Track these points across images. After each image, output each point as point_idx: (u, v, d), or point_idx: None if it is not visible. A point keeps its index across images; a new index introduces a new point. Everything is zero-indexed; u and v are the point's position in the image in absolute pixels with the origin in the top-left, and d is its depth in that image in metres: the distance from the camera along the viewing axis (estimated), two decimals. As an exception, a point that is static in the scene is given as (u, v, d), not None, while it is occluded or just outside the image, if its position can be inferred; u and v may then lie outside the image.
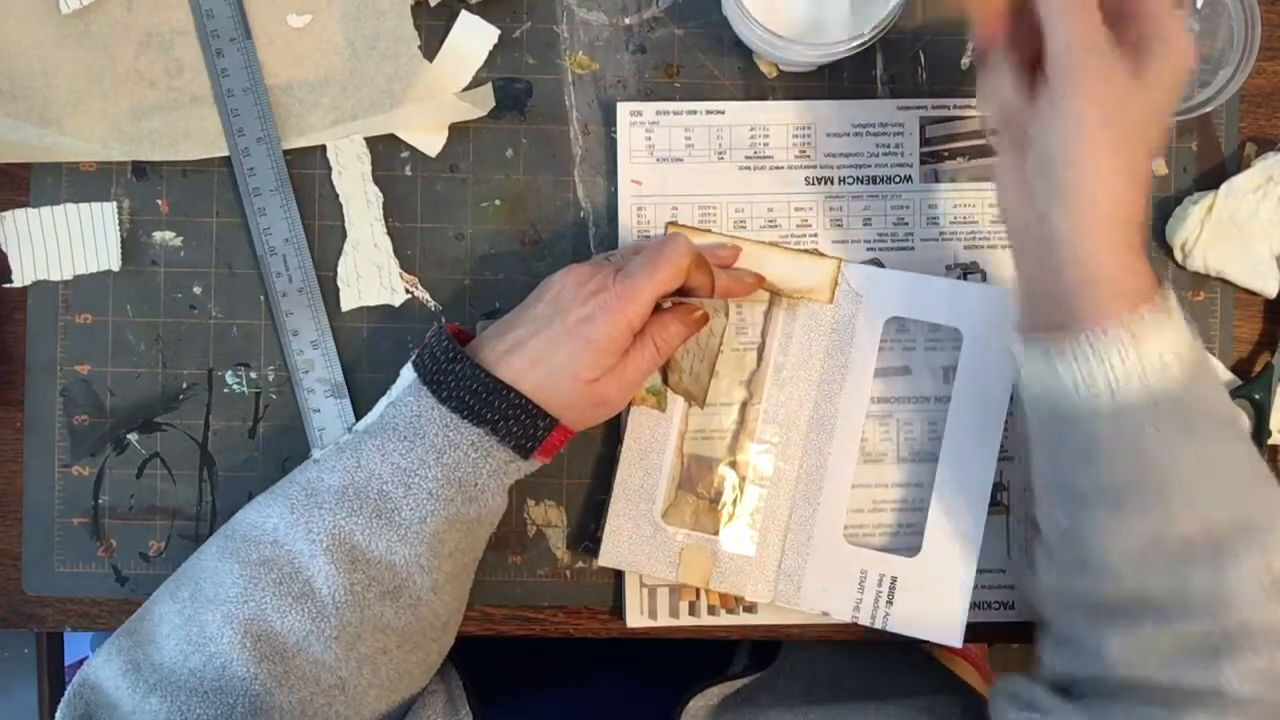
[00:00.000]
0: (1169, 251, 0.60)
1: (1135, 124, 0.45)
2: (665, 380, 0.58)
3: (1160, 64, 0.46)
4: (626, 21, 0.60)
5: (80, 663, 0.92)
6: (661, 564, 0.58)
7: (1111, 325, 0.45)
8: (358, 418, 0.58)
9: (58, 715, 0.48)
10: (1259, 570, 0.45)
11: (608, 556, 0.58)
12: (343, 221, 0.59)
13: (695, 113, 0.59)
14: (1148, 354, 0.45)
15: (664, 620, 0.59)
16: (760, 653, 0.64)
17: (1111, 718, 0.47)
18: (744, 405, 0.59)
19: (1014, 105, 0.47)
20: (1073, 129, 0.45)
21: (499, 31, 0.59)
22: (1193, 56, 0.46)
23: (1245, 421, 0.48)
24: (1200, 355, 0.47)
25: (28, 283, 0.59)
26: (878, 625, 0.58)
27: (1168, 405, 0.45)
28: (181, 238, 0.59)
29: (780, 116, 0.59)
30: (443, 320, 0.60)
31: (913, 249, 0.60)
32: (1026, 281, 0.50)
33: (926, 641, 0.59)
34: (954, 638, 0.58)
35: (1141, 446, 0.45)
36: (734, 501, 0.58)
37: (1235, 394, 0.58)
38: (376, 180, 0.59)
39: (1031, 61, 0.47)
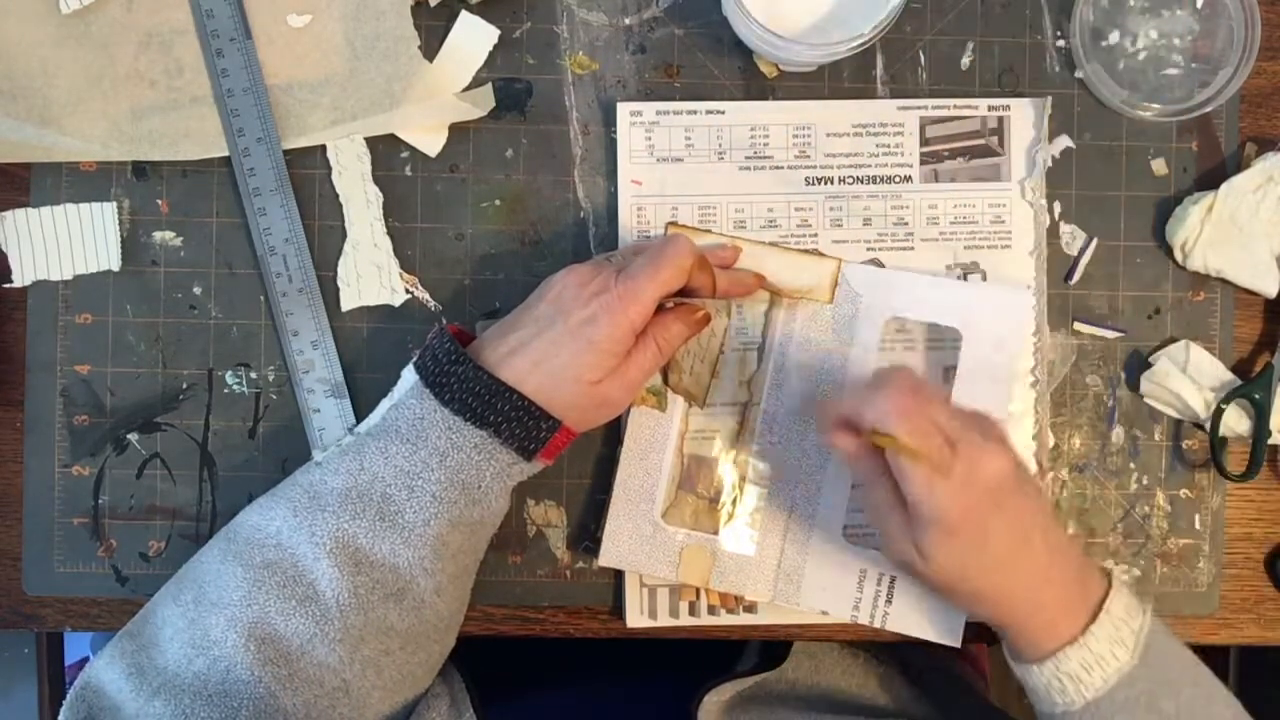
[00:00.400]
0: (1169, 251, 0.60)
1: (993, 514, 0.49)
2: (665, 380, 0.58)
3: (977, 465, 0.49)
4: (626, 21, 0.60)
5: (80, 663, 0.92)
6: (661, 564, 0.58)
7: (1060, 643, 0.51)
8: (358, 418, 0.58)
9: (60, 718, 0.48)
10: None
11: (608, 556, 0.58)
12: (343, 221, 0.59)
13: (695, 113, 0.59)
14: (1103, 657, 0.50)
15: (664, 620, 0.59)
16: (768, 651, 0.64)
17: None
18: (744, 405, 0.59)
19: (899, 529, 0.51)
20: (942, 541, 0.49)
21: (499, 31, 0.59)
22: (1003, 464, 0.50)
23: (1207, 673, 0.54)
24: (1150, 630, 0.52)
25: (28, 283, 0.59)
26: (877, 625, 0.58)
27: (1130, 693, 0.51)
28: (181, 238, 0.59)
29: (780, 116, 0.59)
30: (443, 321, 0.60)
31: (913, 249, 0.60)
32: (995, 627, 0.55)
33: (926, 642, 0.58)
34: (953, 638, 0.58)
35: None
36: (734, 501, 0.58)
37: (1235, 394, 0.59)
38: (376, 180, 0.59)
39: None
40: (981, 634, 0.59)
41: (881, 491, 0.51)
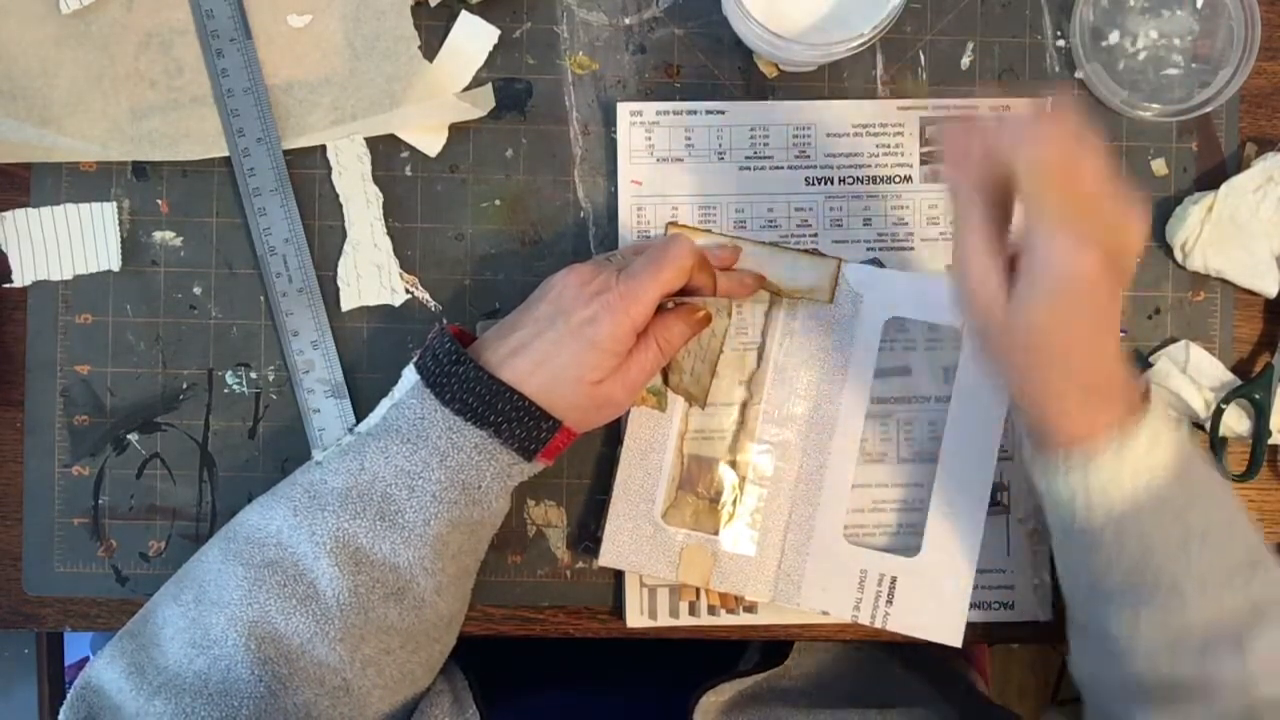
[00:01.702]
0: (1169, 251, 0.60)
1: (1102, 296, 0.46)
2: (666, 381, 0.58)
3: (1122, 239, 0.46)
4: (626, 21, 0.60)
5: (80, 663, 0.92)
6: (661, 564, 0.58)
7: (1100, 448, 0.47)
8: (358, 418, 0.58)
9: (60, 718, 0.48)
10: None
11: (608, 556, 0.58)
12: (343, 221, 0.59)
13: (695, 113, 0.59)
14: (1137, 468, 0.47)
15: (664, 620, 0.59)
16: (770, 651, 0.64)
17: None
18: (744, 405, 0.59)
19: (994, 283, 0.47)
20: (1045, 299, 0.45)
21: (499, 31, 0.59)
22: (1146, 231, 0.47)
23: (1238, 501, 0.51)
24: (1186, 448, 0.49)
25: (28, 283, 0.59)
26: (877, 625, 0.58)
27: (1163, 508, 0.48)
28: (181, 238, 0.59)
29: (780, 116, 0.59)
30: (444, 321, 0.60)
31: (913, 249, 0.60)
32: (1018, 402, 0.51)
33: (930, 644, 0.58)
34: (954, 638, 0.58)
35: (1144, 549, 0.48)
36: (734, 501, 0.58)
37: (1235, 394, 0.59)
38: (376, 180, 0.59)
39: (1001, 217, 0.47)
40: (981, 634, 0.59)
41: (976, 228, 0.46)
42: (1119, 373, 0.48)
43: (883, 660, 0.67)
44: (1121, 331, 0.60)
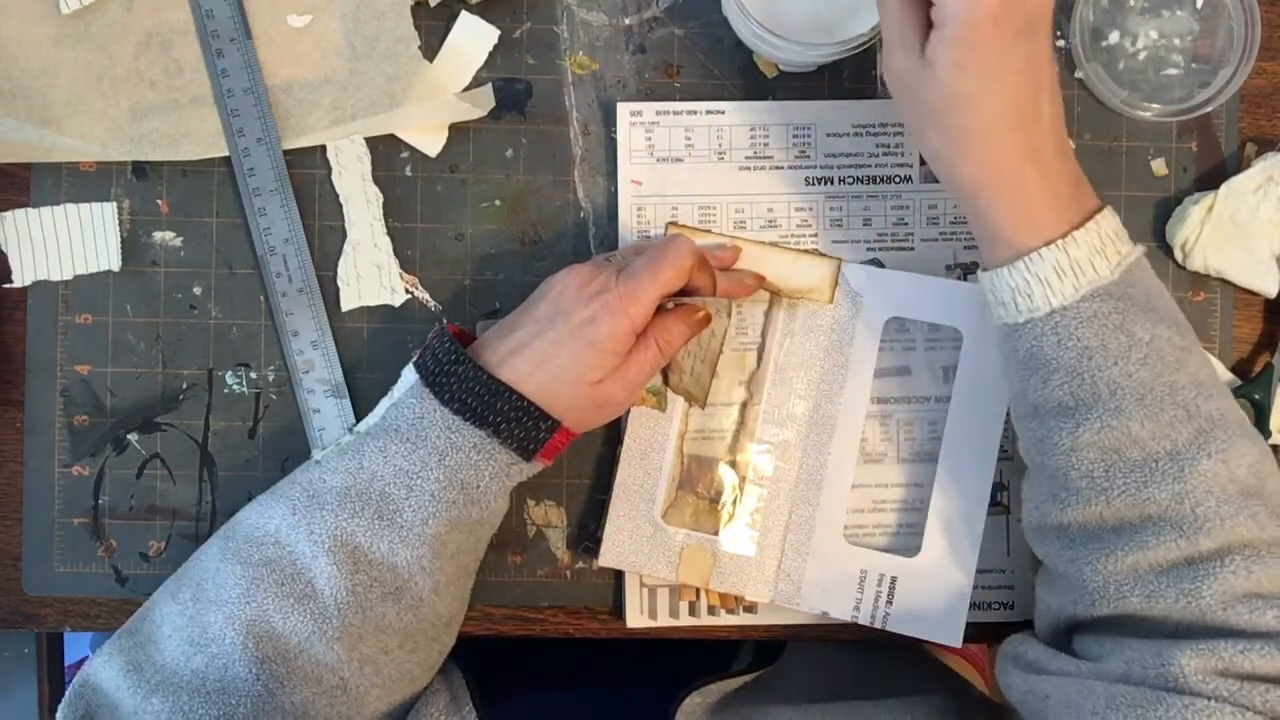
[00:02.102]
0: (1169, 251, 0.60)
1: (1022, 55, 0.45)
2: (666, 381, 0.58)
3: None
4: (626, 21, 0.60)
5: (80, 663, 0.92)
6: (661, 564, 0.58)
7: (1045, 244, 0.47)
8: (358, 418, 0.58)
9: (58, 716, 0.48)
10: (1223, 480, 0.46)
11: (608, 556, 0.58)
12: (343, 221, 0.59)
13: (695, 113, 0.59)
14: (1080, 265, 0.46)
15: (664, 620, 0.59)
16: (764, 651, 0.64)
17: (1105, 660, 0.47)
18: (744, 405, 0.59)
19: (911, 42, 0.47)
20: (955, 65, 0.45)
21: (499, 31, 0.59)
22: None
23: (1186, 326, 0.49)
24: (1135, 261, 0.48)
25: (28, 283, 0.59)
26: (877, 625, 0.58)
27: (1106, 316, 0.47)
28: (181, 238, 0.59)
29: (780, 116, 0.59)
30: (444, 321, 0.60)
31: (913, 249, 0.60)
32: (972, 224, 0.51)
33: (927, 642, 0.59)
34: (954, 638, 0.58)
35: (1087, 358, 0.47)
36: (734, 501, 0.58)
37: (1235, 394, 0.58)
38: (376, 180, 0.59)
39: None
40: (981, 634, 0.59)
41: None
42: (1056, 156, 0.47)
43: (877, 658, 0.67)
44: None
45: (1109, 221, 0.48)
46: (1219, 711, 0.42)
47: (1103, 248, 0.47)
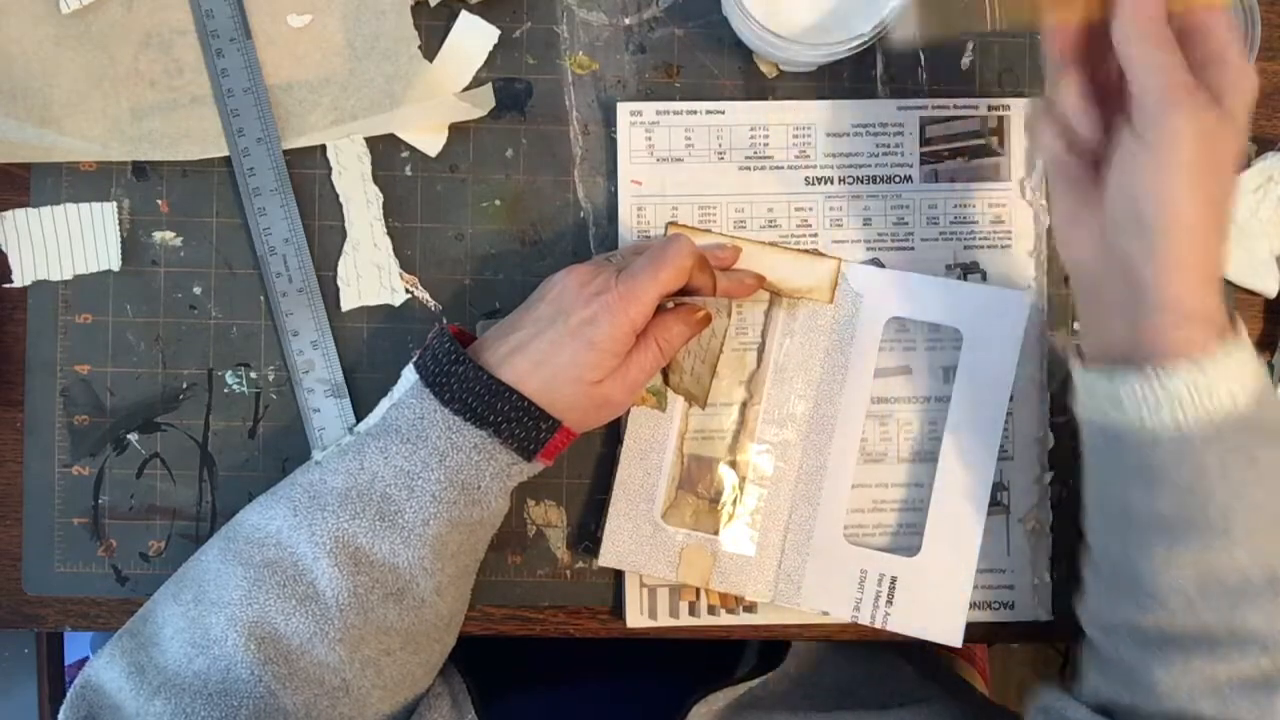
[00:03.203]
0: (1169, 251, 0.60)
1: (1221, 159, 0.44)
2: (666, 381, 0.58)
3: (1236, 98, 0.44)
4: (626, 21, 0.60)
5: (80, 663, 0.92)
6: (661, 564, 0.58)
7: (1182, 359, 0.45)
8: (358, 418, 0.58)
9: (60, 717, 0.48)
10: None
11: (608, 556, 0.58)
12: (343, 221, 0.59)
13: (695, 113, 0.59)
14: (1215, 388, 0.44)
15: (664, 620, 0.59)
16: (767, 654, 0.64)
17: None
18: (744, 405, 0.59)
19: (1085, 137, 0.47)
20: (1163, 165, 0.44)
21: (499, 31, 0.59)
22: (1257, 88, 0.45)
23: None
24: (1267, 389, 0.46)
25: (28, 283, 0.59)
26: (877, 625, 0.58)
27: (1233, 439, 0.45)
28: (181, 238, 0.59)
29: (780, 116, 0.59)
30: (444, 321, 0.60)
31: (913, 249, 0.60)
32: (1095, 313, 0.50)
33: (930, 644, 0.58)
34: (954, 638, 0.58)
35: (1204, 479, 0.45)
36: (734, 501, 0.58)
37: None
38: (376, 180, 0.59)
39: (1100, 91, 0.47)
40: (981, 634, 0.59)
41: (1079, 73, 0.46)
42: (1213, 286, 0.45)
43: (880, 660, 0.67)
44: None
45: (1247, 344, 0.46)
46: None
47: (1240, 373, 0.45)
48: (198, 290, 0.59)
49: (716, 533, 0.58)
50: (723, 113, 0.59)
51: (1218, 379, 0.44)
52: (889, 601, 0.58)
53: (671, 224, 0.59)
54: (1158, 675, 0.47)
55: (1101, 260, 0.47)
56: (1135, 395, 0.46)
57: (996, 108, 0.59)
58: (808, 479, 0.58)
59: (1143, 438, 0.46)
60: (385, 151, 0.59)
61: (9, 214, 0.59)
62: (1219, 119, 0.44)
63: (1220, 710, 0.46)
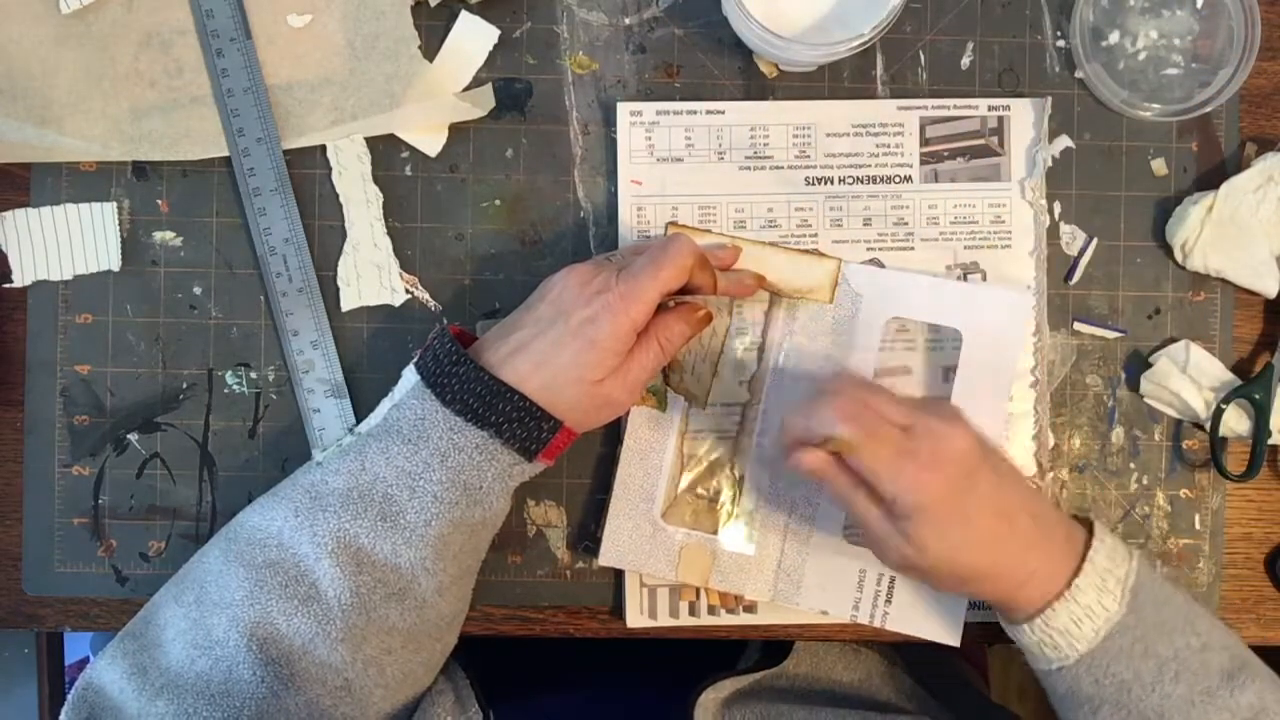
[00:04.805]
0: (1169, 251, 0.60)
1: (972, 494, 0.50)
2: (666, 380, 0.58)
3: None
4: (626, 21, 0.60)
5: (80, 663, 0.92)
6: (661, 563, 0.58)
7: (1049, 598, 0.51)
8: (358, 418, 0.58)
9: (62, 718, 0.48)
10: None
11: (608, 556, 0.58)
12: (343, 221, 0.59)
13: (695, 113, 0.59)
14: (1088, 610, 0.50)
15: (664, 620, 0.59)
16: (770, 650, 0.64)
17: None
18: (744, 405, 0.59)
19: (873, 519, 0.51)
20: (932, 548, 0.49)
21: (499, 31, 0.59)
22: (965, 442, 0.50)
23: (1202, 613, 0.53)
24: (1136, 578, 0.51)
25: (28, 283, 0.59)
26: (876, 624, 0.58)
27: (1124, 644, 0.50)
28: (181, 238, 0.59)
29: (780, 116, 0.59)
30: (444, 321, 0.60)
31: (913, 249, 0.60)
32: (979, 595, 0.54)
33: (930, 644, 0.58)
34: (953, 638, 0.58)
35: (1120, 687, 0.51)
36: (734, 501, 0.58)
37: (1235, 394, 0.59)
38: (376, 180, 0.59)
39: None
40: (981, 634, 0.59)
41: (861, 501, 0.51)
42: (1045, 535, 0.51)
43: (883, 660, 0.67)
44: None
45: (1101, 554, 0.51)
46: None
47: (1104, 584, 0.51)
48: (198, 290, 0.59)
49: (716, 532, 0.58)
50: (723, 113, 0.59)
51: (1089, 600, 0.50)
52: (888, 601, 0.58)
53: (671, 224, 0.59)
54: None
55: (951, 588, 0.53)
56: (1035, 642, 0.52)
57: (996, 108, 0.59)
58: (808, 479, 0.58)
59: (1061, 674, 0.52)
60: (385, 151, 0.59)
61: (9, 214, 0.59)
62: (932, 461, 0.49)
63: None
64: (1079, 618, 0.50)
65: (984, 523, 0.50)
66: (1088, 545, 0.52)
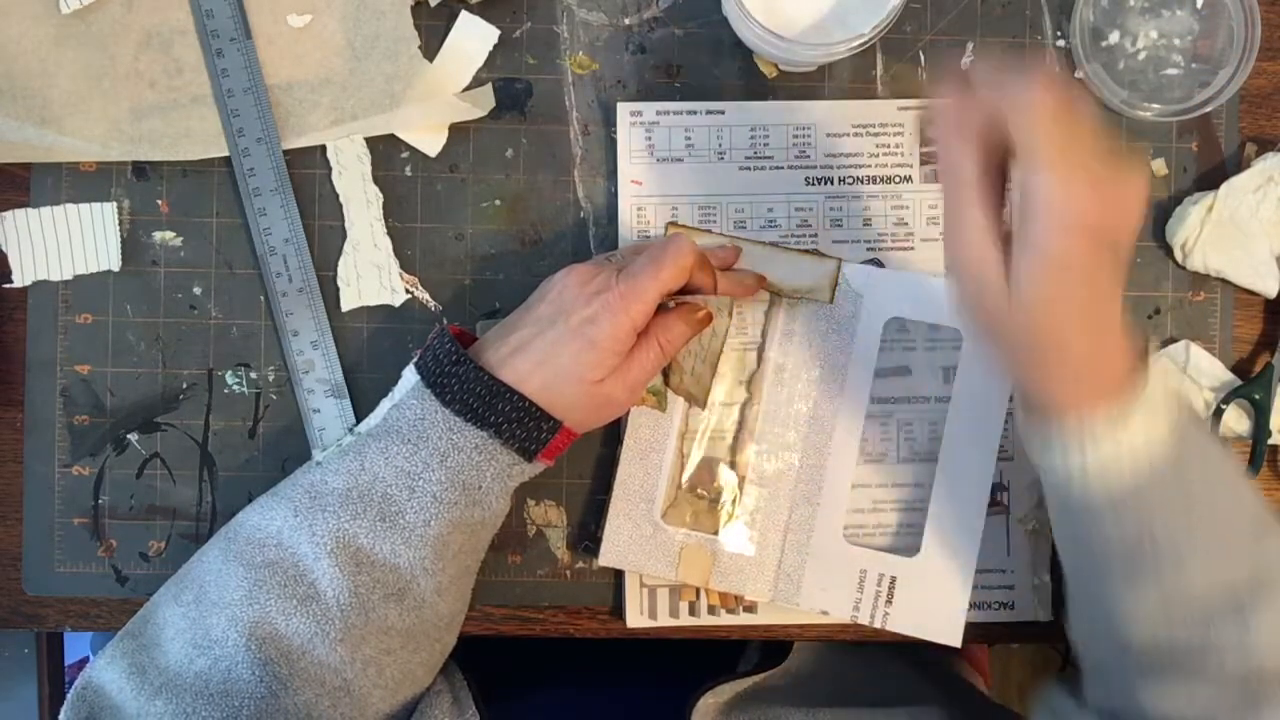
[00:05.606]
0: (1169, 251, 0.60)
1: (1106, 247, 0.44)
2: (666, 381, 0.58)
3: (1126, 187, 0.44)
4: (626, 21, 0.60)
5: (80, 663, 0.92)
6: (661, 563, 0.58)
7: (1099, 416, 0.46)
8: (358, 418, 0.58)
9: (61, 718, 0.48)
10: None
11: (608, 556, 0.58)
12: (343, 221, 0.59)
13: (695, 113, 0.59)
14: (1133, 441, 0.46)
15: (664, 620, 0.59)
16: (770, 651, 0.64)
17: None
18: (744, 405, 0.59)
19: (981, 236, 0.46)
20: (1033, 306, 0.44)
21: (499, 31, 0.59)
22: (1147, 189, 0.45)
23: (1240, 468, 0.49)
24: (1184, 416, 0.47)
25: (28, 283, 0.59)
26: (877, 625, 0.58)
27: (1160, 482, 0.46)
28: (181, 238, 0.59)
29: (780, 116, 0.59)
30: (444, 321, 0.60)
31: (913, 249, 0.60)
32: (1014, 377, 0.50)
33: (930, 644, 0.58)
34: (954, 637, 0.58)
35: (1144, 523, 0.47)
36: (734, 501, 0.58)
37: (1235, 394, 0.59)
38: (376, 180, 0.59)
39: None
40: (981, 634, 0.59)
41: (975, 193, 0.45)
42: (1116, 345, 0.46)
43: (883, 659, 0.67)
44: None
45: (1160, 383, 0.47)
46: None
47: (1153, 419, 0.46)
48: (198, 290, 0.59)
49: (716, 533, 0.58)
50: (723, 113, 0.59)
51: (1133, 438, 0.46)
52: (889, 601, 0.58)
53: (671, 224, 0.59)
54: (1142, 693, 0.48)
55: (1014, 353, 0.48)
56: (1065, 468, 0.47)
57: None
58: (808, 479, 0.58)
59: (1078, 496, 0.48)
60: (385, 151, 0.59)
61: (9, 214, 0.59)
62: (1097, 232, 0.43)
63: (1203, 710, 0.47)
64: (1121, 440, 0.46)
65: (1099, 291, 0.44)
66: (1147, 375, 0.47)
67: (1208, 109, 0.59)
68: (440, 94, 0.59)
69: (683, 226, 0.59)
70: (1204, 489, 0.47)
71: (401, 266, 0.59)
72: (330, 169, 0.59)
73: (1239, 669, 0.46)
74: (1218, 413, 0.59)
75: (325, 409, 0.59)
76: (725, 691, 0.58)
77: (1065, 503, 0.49)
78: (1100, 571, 0.49)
